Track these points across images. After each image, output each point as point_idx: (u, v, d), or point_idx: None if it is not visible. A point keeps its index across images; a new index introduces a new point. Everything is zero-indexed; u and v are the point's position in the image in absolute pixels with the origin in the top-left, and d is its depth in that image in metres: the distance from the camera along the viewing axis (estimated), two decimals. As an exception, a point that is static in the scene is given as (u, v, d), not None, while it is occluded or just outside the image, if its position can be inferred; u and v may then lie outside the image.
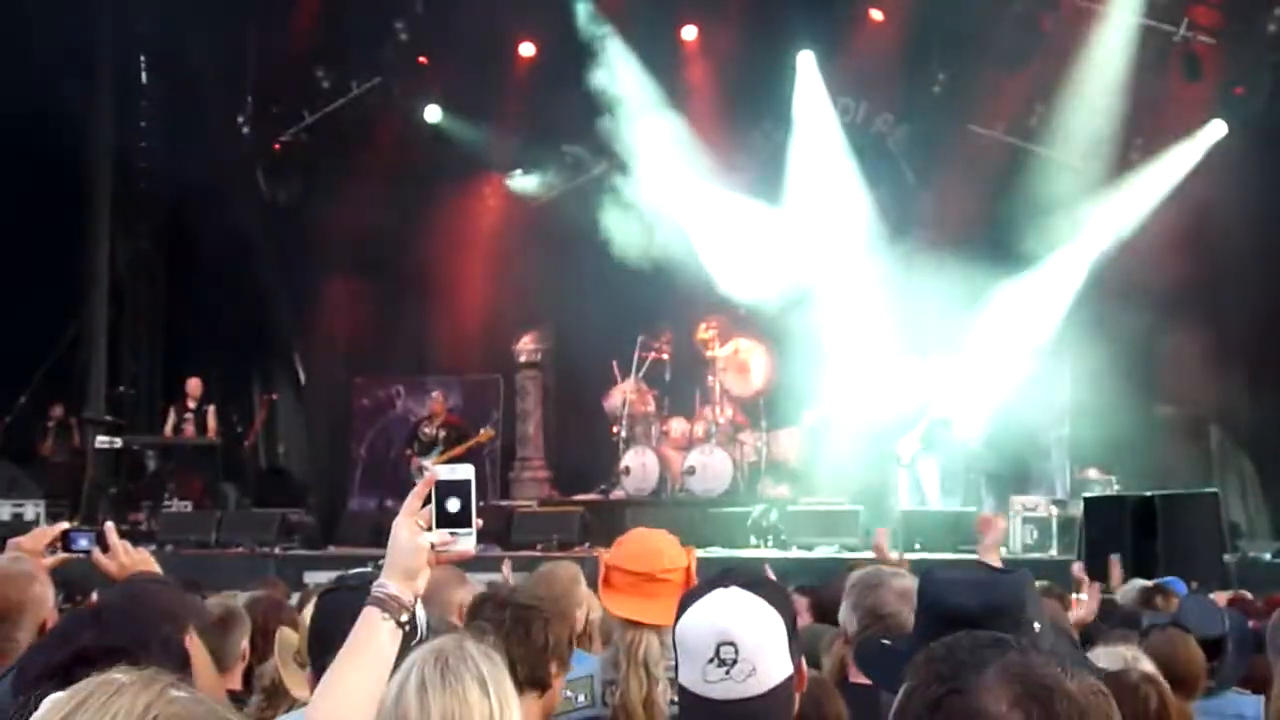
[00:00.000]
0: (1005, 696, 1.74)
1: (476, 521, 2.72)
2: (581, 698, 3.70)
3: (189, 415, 17.13)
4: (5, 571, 3.98)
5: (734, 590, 2.78)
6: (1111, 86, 15.79)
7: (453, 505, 2.70)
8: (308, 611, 5.81)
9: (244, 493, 18.21)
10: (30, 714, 1.81)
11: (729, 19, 17.72)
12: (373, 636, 2.60)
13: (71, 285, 17.94)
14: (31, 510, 15.91)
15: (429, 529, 2.68)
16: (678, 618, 2.83)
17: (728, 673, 2.68)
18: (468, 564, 3.71)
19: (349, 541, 15.82)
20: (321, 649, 3.24)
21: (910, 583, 4.30)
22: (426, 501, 2.70)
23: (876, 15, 17.45)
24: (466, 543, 2.70)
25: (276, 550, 14.91)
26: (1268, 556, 12.40)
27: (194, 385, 17.27)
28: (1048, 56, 16.32)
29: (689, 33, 18.31)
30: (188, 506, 16.55)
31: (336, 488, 19.25)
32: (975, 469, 15.66)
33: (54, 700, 1.48)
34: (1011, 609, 2.69)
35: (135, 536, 16.00)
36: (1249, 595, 6.54)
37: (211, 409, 17.25)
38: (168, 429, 17.31)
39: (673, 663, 3.59)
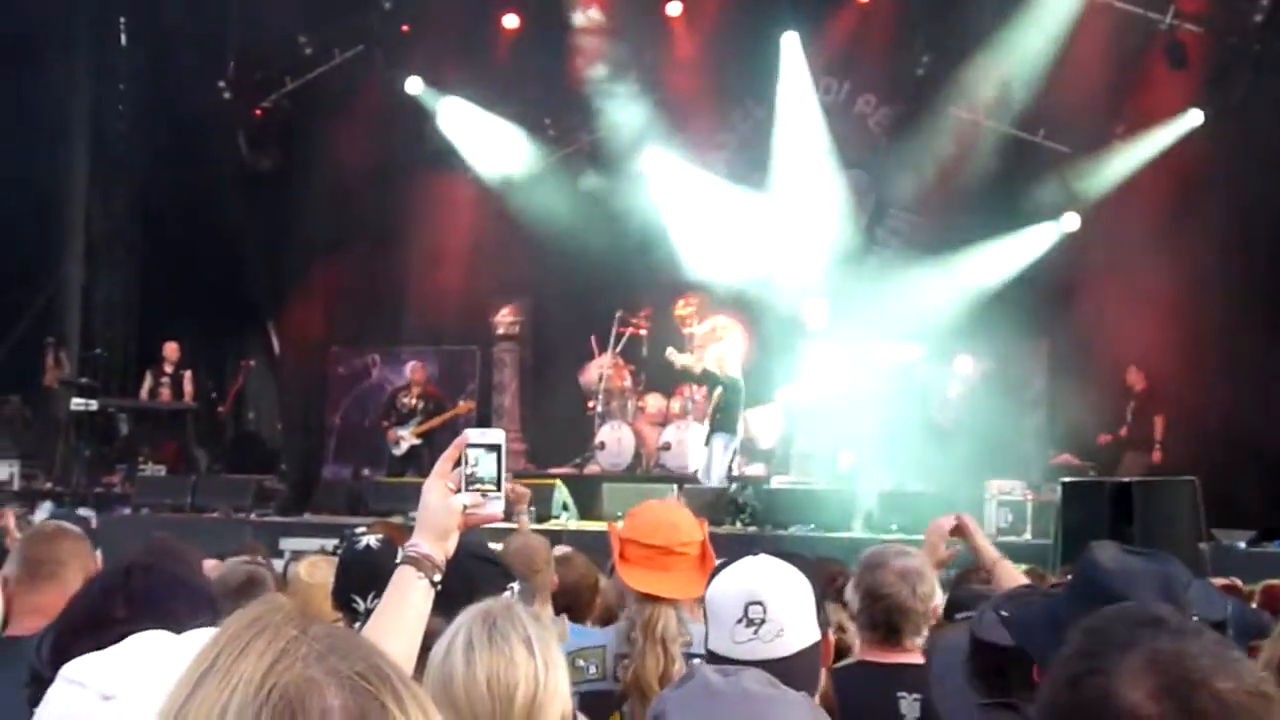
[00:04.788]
0: (1144, 686, 1.63)
1: (506, 485, 2.75)
2: (593, 668, 3.69)
3: (165, 379, 17.07)
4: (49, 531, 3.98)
5: (763, 557, 2.82)
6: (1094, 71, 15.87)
7: (483, 468, 2.72)
8: (307, 572, 5.83)
9: (215, 458, 18.15)
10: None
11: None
12: (408, 595, 2.63)
13: (47, 248, 17.83)
14: (5, 470, 15.87)
15: (459, 491, 2.70)
16: (708, 585, 2.85)
17: (755, 633, 2.70)
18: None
19: (324, 509, 15.81)
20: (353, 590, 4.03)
21: (913, 563, 4.31)
22: (457, 464, 2.72)
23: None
24: (496, 505, 2.73)
25: (252, 516, 14.85)
26: (1242, 545, 12.49)
27: (171, 349, 17.21)
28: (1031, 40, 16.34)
29: (674, 9, 18.24)
30: (161, 470, 16.48)
31: (308, 455, 19.20)
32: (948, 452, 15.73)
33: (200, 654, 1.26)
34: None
35: (111, 499, 16.01)
36: (1240, 583, 6.59)
37: (188, 374, 17.20)
38: (144, 392, 17.24)
39: (690, 639, 3.62)
